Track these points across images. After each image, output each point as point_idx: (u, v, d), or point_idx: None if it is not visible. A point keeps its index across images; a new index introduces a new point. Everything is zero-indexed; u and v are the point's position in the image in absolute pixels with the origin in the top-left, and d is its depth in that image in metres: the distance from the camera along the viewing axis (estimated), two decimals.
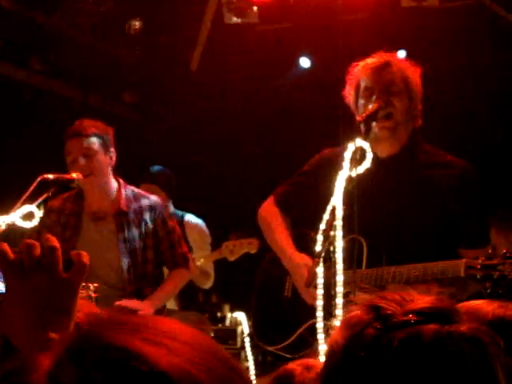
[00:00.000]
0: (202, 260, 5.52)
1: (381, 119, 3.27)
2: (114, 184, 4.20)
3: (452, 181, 3.31)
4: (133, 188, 4.30)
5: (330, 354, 1.34)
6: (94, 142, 4.08)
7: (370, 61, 3.43)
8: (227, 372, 0.89)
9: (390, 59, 3.42)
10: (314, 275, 2.87)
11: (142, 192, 4.32)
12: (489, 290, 2.84)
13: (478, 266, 2.87)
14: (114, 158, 4.18)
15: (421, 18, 6.23)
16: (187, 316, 5.58)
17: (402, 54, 5.85)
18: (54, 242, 1.35)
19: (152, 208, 4.17)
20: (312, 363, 2.20)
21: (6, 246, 1.35)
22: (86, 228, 4.20)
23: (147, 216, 4.15)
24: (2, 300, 1.33)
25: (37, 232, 4.22)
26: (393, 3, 6.26)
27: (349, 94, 3.47)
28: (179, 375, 0.84)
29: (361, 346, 1.28)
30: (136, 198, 4.20)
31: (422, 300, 1.33)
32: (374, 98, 3.31)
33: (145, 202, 4.18)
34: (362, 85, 3.40)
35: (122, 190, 4.19)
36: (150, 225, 4.14)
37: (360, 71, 3.42)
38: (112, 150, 4.16)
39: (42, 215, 4.22)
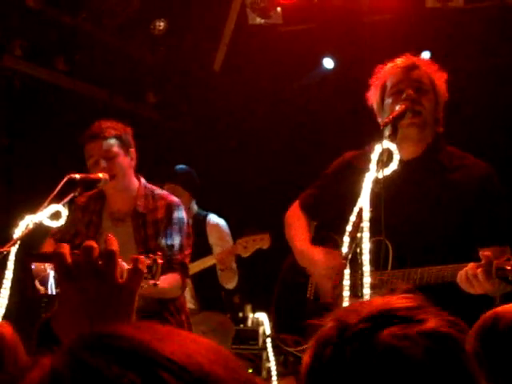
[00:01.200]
0: (215, 260, 5.53)
1: (410, 116, 3.26)
2: (134, 184, 4.17)
3: (473, 182, 3.30)
4: (154, 188, 4.25)
5: (302, 374, 1.33)
6: (113, 143, 4.03)
7: (398, 61, 3.44)
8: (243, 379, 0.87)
9: (417, 61, 3.44)
10: (341, 277, 2.87)
11: (163, 192, 4.26)
12: None
13: (509, 267, 2.85)
14: (135, 158, 4.15)
15: (446, 18, 6.20)
16: (210, 316, 5.59)
17: (426, 54, 5.83)
18: (114, 245, 1.32)
19: (166, 208, 4.11)
20: None
21: (66, 249, 1.32)
22: (106, 228, 4.19)
23: (161, 216, 4.10)
24: (56, 302, 1.32)
25: (64, 228, 4.27)
26: (417, 4, 6.25)
27: (373, 95, 3.46)
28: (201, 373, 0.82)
29: (322, 364, 1.27)
30: (154, 198, 4.16)
31: (382, 302, 1.30)
32: (404, 95, 3.30)
33: (161, 203, 4.13)
34: (390, 84, 3.39)
35: (142, 190, 4.16)
36: (161, 225, 4.09)
37: (387, 71, 3.42)
38: (132, 150, 4.11)
39: (72, 208, 4.25)
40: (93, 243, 1.32)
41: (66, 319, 1.27)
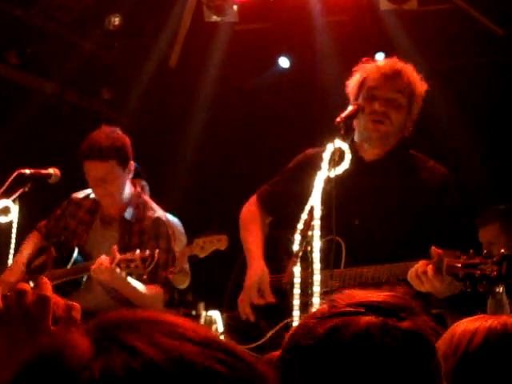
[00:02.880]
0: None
1: (371, 123, 3.28)
2: (127, 192, 4.12)
3: (431, 186, 3.33)
4: (146, 198, 4.24)
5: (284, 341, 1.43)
6: (112, 165, 3.94)
7: (383, 64, 3.41)
8: (244, 367, 0.90)
9: (401, 68, 3.38)
10: (291, 274, 2.88)
11: (153, 204, 4.21)
12: (469, 289, 2.87)
13: (459, 265, 2.89)
14: (133, 168, 4.08)
15: (400, 20, 6.27)
16: None
17: (380, 56, 5.89)
18: (48, 289, 1.27)
19: (154, 221, 4.07)
20: None
21: None
22: (95, 229, 4.18)
23: (147, 228, 4.06)
24: None
25: (55, 221, 4.26)
26: (372, 6, 6.30)
27: (352, 86, 3.44)
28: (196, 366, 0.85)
29: (304, 333, 1.35)
30: (145, 208, 4.13)
31: (373, 295, 1.38)
32: (375, 104, 3.30)
33: (150, 214, 4.10)
34: (368, 84, 3.37)
35: (133, 199, 4.13)
36: (146, 236, 4.05)
37: (370, 70, 3.39)
38: (130, 163, 4.04)
39: (65, 203, 4.24)
40: (26, 286, 1.28)
41: None
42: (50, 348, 0.91)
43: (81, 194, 4.29)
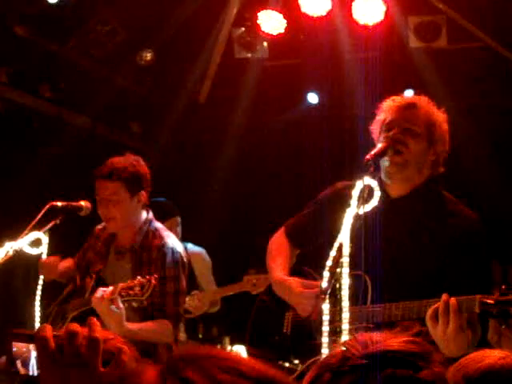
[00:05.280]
0: (220, 295, 5.58)
1: (391, 154, 3.28)
2: (140, 220, 4.11)
3: (457, 232, 3.26)
4: (158, 225, 4.18)
5: None
6: (120, 187, 3.96)
7: (398, 99, 3.43)
8: None
9: (417, 101, 3.40)
10: (320, 311, 2.87)
11: (163, 232, 4.16)
12: (504, 326, 2.82)
13: (493, 302, 2.85)
14: (144, 199, 4.08)
15: (429, 58, 6.29)
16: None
17: (409, 93, 5.91)
18: (98, 331, 1.29)
19: (159, 250, 4.03)
20: None
21: (49, 332, 1.28)
22: (111, 259, 4.21)
23: (153, 256, 4.03)
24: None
25: (83, 251, 4.35)
26: (401, 43, 6.34)
27: (374, 129, 3.46)
28: None
29: None
30: (154, 235, 4.10)
31: (389, 342, 1.33)
32: (389, 134, 3.32)
33: (156, 242, 4.06)
34: (385, 120, 3.39)
35: (144, 227, 4.11)
36: (154, 265, 4.01)
37: (386, 107, 3.42)
38: (142, 192, 4.04)
39: (89, 235, 4.30)
40: (77, 327, 1.30)
41: None
42: (119, 374, 0.99)
43: (101, 226, 4.32)
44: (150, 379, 0.96)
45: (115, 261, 4.19)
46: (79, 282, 4.24)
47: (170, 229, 5.49)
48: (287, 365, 3.48)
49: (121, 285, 3.68)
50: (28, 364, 1.38)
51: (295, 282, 3.45)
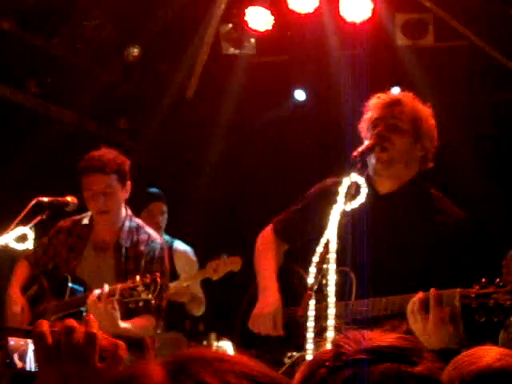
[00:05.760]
0: (189, 282, 5.53)
1: (377, 151, 3.30)
2: (122, 216, 4.13)
3: (444, 230, 3.29)
4: (138, 221, 4.22)
5: None
6: (114, 179, 3.99)
7: (383, 96, 3.46)
8: None
9: (401, 97, 3.43)
10: (306, 307, 2.88)
11: (146, 227, 4.21)
12: (483, 319, 2.84)
13: (473, 295, 2.86)
14: (129, 191, 4.11)
15: (416, 55, 6.32)
16: (165, 336, 5.53)
17: (396, 90, 5.93)
18: (94, 327, 1.30)
19: (148, 244, 4.06)
20: None
21: (46, 327, 1.29)
22: (87, 255, 4.17)
23: (142, 251, 4.05)
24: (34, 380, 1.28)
25: (43, 249, 4.25)
26: (388, 40, 6.36)
27: (363, 127, 3.48)
28: None
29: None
30: (138, 231, 4.12)
31: (382, 338, 1.34)
32: (376, 131, 3.33)
33: (143, 237, 4.09)
34: (372, 118, 3.42)
35: (126, 222, 4.13)
36: (142, 259, 4.04)
37: (372, 105, 3.44)
38: (128, 183, 4.08)
39: (53, 231, 4.24)
40: (73, 323, 1.30)
41: None
42: (125, 374, 0.96)
43: (69, 221, 4.28)
44: (159, 379, 0.95)
45: (94, 256, 4.15)
46: (47, 282, 4.19)
47: (153, 213, 5.50)
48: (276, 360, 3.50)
49: (120, 285, 3.66)
50: (25, 358, 1.39)
51: (277, 313, 3.47)
